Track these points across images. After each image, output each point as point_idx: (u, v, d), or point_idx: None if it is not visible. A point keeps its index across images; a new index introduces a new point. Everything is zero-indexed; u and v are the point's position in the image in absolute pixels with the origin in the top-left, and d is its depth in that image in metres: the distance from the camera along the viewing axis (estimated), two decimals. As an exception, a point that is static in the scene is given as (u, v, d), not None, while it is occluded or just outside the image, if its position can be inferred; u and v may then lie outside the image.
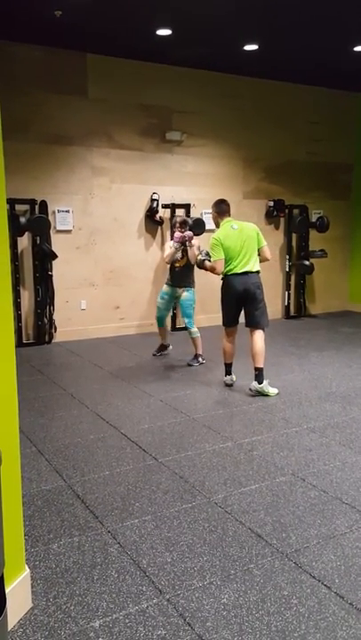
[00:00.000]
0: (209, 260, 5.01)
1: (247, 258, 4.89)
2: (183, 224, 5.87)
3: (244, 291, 4.88)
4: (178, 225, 5.87)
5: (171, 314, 6.24)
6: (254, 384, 4.87)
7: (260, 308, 4.93)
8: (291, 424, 4.21)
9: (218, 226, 5.12)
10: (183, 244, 5.75)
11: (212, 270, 5.01)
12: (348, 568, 2.44)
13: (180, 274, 5.92)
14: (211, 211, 5.26)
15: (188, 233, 5.78)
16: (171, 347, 6.42)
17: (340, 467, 3.46)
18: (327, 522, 2.82)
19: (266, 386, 4.87)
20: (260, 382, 4.85)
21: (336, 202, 9.29)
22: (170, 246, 5.86)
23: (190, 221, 7.42)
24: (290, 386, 5.18)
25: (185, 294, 5.95)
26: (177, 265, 5.89)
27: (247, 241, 4.91)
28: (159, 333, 6.34)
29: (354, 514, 2.89)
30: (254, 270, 4.91)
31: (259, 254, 4.98)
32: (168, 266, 6.03)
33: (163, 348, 6.37)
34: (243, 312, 5.01)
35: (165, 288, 6.06)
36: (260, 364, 4.87)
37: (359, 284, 9.55)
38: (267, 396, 4.86)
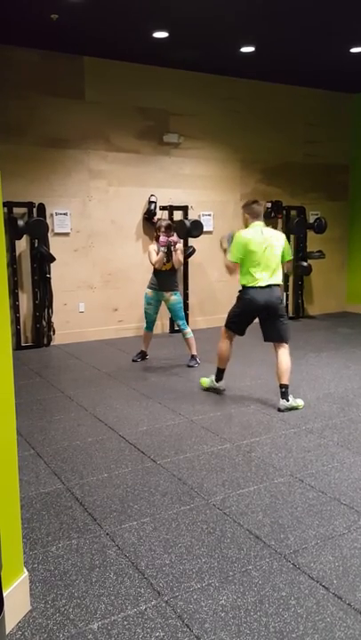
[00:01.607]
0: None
1: (272, 269, 4.54)
2: (168, 228, 5.82)
3: (266, 306, 4.54)
4: (163, 229, 5.80)
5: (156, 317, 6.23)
6: (283, 402, 4.51)
7: (285, 322, 4.62)
8: (289, 425, 4.21)
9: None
10: (168, 249, 5.76)
11: (227, 267, 4.84)
12: (347, 569, 2.45)
13: (167, 278, 5.90)
14: (243, 212, 4.85)
15: (174, 238, 5.79)
16: (148, 356, 6.39)
17: (338, 467, 3.47)
18: (325, 523, 2.82)
19: (293, 400, 4.56)
20: (288, 400, 4.52)
21: (333, 203, 9.31)
22: (154, 250, 5.85)
23: (188, 224, 7.47)
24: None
25: (173, 298, 5.93)
26: (163, 269, 5.86)
27: (272, 253, 4.54)
28: (144, 339, 6.27)
29: (352, 514, 2.90)
30: (277, 283, 4.57)
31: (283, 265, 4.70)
32: (152, 270, 5.99)
33: (143, 354, 6.31)
34: (260, 325, 4.69)
35: (150, 293, 6.00)
36: (287, 382, 4.53)
37: (357, 285, 9.57)
38: (297, 409, 4.56)
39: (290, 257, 4.72)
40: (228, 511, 2.94)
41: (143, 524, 2.83)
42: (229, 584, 2.35)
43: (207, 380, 5.11)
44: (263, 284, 4.53)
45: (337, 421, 4.28)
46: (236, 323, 4.76)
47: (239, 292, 4.71)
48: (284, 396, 4.52)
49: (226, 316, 4.87)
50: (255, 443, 3.88)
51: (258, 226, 4.65)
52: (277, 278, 4.58)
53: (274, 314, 4.57)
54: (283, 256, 4.62)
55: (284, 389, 4.53)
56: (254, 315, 4.66)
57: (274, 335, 4.61)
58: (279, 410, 4.52)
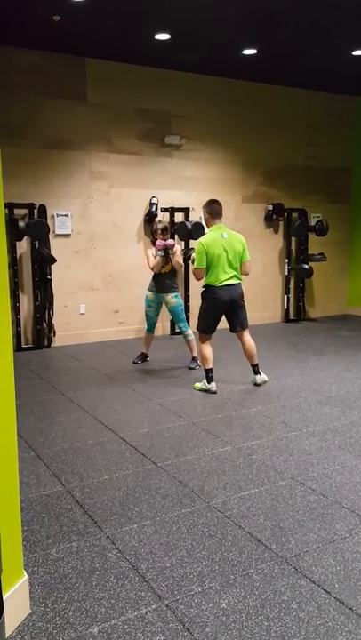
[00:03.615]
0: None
1: (233, 270, 4.95)
2: (165, 231, 5.83)
3: (230, 301, 4.97)
4: (160, 232, 5.80)
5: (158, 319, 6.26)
6: (259, 377, 5.22)
7: (244, 311, 5.11)
8: (290, 428, 4.20)
9: (208, 227, 5.12)
10: (166, 252, 5.76)
11: (194, 274, 5.10)
12: (348, 573, 2.43)
13: (166, 280, 5.91)
14: (202, 211, 5.18)
15: (170, 241, 5.80)
16: (149, 358, 6.38)
17: (339, 470, 3.45)
18: (327, 526, 2.81)
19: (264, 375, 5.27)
20: (261, 374, 5.23)
21: (335, 205, 9.30)
22: (152, 254, 5.86)
23: (190, 226, 7.46)
24: (289, 389, 5.17)
25: (174, 300, 5.93)
26: (162, 272, 5.87)
27: (234, 253, 4.94)
28: (145, 341, 6.26)
29: (353, 518, 2.88)
30: (238, 282, 5.01)
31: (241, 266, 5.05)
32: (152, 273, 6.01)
33: (144, 356, 6.30)
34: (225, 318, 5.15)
35: (150, 295, 6.01)
36: (257, 361, 5.23)
37: (358, 288, 9.56)
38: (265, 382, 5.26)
39: (247, 258, 5.05)
40: (229, 514, 2.93)
41: (144, 527, 2.81)
42: (230, 588, 2.34)
43: (199, 384, 5.22)
44: (225, 284, 4.93)
45: (338, 424, 4.27)
46: (210, 322, 5.09)
47: (203, 291, 5.07)
48: (258, 372, 5.21)
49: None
50: (256, 445, 3.87)
51: (218, 228, 4.98)
52: (239, 277, 5.03)
53: (238, 307, 5.04)
54: (241, 257, 4.99)
55: (257, 368, 5.21)
56: (222, 310, 5.04)
57: (236, 325, 5.10)
58: (256, 384, 5.21)
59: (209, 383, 5.09)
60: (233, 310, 5.02)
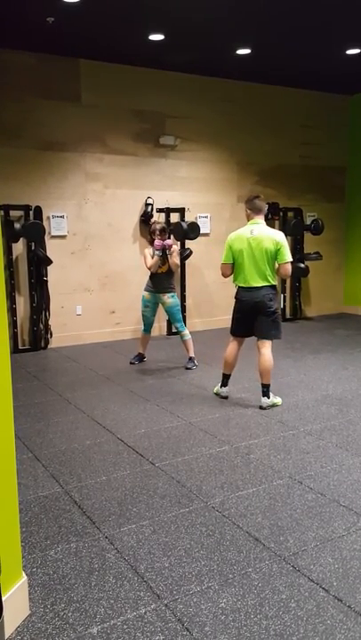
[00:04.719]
0: None
1: (260, 270, 4.52)
2: (162, 231, 5.85)
3: (254, 304, 4.56)
4: (158, 232, 5.82)
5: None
6: (265, 400, 4.63)
7: (269, 319, 4.59)
8: (287, 427, 4.21)
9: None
10: (164, 252, 5.77)
11: (220, 270, 4.78)
12: (347, 571, 2.44)
13: (163, 280, 5.92)
14: (245, 208, 4.73)
15: (168, 241, 5.82)
16: (146, 358, 6.38)
17: (337, 469, 3.46)
18: (325, 524, 2.82)
19: (273, 397, 4.71)
20: (268, 397, 4.64)
21: (330, 204, 9.32)
22: (149, 253, 5.87)
23: (185, 226, 7.47)
24: (286, 388, 5.18)
25: (170, 300, 5.94)
26: (159, 271, 5.88)
27: (261, 252, 4.48)
28: (142, 342, 6.25)
29: (351, 516, 2.89)
30: (265, 285, 4.54)
31: (277, 268, 4.57)
32: (149, 273, 6.00)
33: (141, 357, 6.30)
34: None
35: (147, 295, 6.00)
36: (268, 382, 4.65)
37: (354, 287, 9.58)
38: (276, 405, 4.69)
39: (283, 260, 4.50)
40: (228, 513, 2.94)
41: (142, 527, 2.82)
42: (229, 587, 2.34)
43: (216, 386, 5.08)
44: (247, 285, 4.59)
45: (335, 423, 4.28)
46: (234, 324, 4.79)
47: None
48: (265, 394, 4.65)
49: (226, 318, 4.88)
50: (254, 445, 3.87)
51: (252, 224, 4.60)
52: (265, 280, 4.54)
53: (259, 311, 4.58)
54: (277, 257, 4.51)
55: (265, 389, 4.65)
56: (246, 313, 4.65)
57: (256, 330, 4.66)
58: (261, 407, 4.63)
59: (220, 387, 4.96)
60: (256, 315, 4.59)
